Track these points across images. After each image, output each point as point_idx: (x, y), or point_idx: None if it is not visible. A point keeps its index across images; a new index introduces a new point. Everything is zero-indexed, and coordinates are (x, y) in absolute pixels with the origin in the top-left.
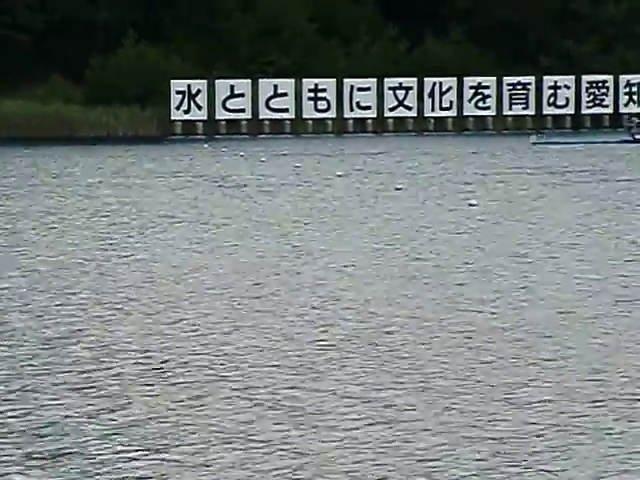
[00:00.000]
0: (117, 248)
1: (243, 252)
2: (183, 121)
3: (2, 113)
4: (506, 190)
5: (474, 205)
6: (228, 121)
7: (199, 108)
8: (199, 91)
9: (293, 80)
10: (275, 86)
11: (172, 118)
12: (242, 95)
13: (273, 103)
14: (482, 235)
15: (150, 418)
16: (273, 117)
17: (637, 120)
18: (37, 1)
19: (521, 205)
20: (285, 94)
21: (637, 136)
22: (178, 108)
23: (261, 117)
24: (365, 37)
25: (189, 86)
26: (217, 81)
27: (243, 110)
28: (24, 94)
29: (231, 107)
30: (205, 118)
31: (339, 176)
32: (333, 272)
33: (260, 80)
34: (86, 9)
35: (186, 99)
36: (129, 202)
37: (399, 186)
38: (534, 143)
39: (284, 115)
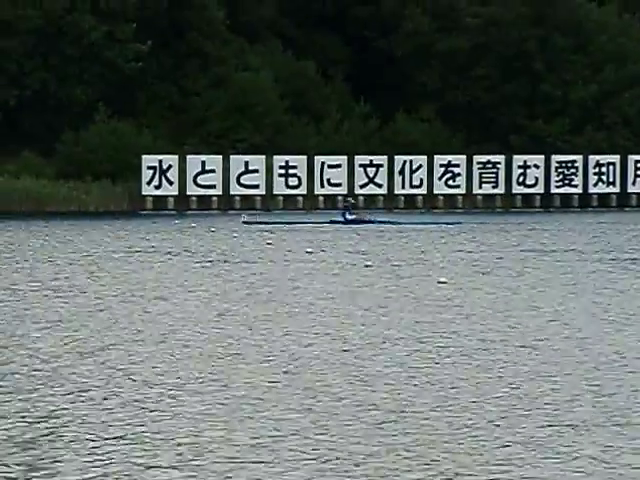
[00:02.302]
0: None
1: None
2: (154, 196)
3: None
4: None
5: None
6: (199, 197)
7: (170, 183)
8: (170, 166)
9: (264, 156)
10: (246, 162)
11: (143, 193)
12: (213, 171)
13: (244, 179)
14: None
15: None
16: (244, 193)
17: (352, 201)
18: (8, 76)
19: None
20: (256, 170)
21: (348, 217)
22: (149, 183)
23: (232, 193)
24: (336, 114)
25: (160, 161)
26: (188, 157)
27: (214, 186)
28: None
29: (202, 183)
30: (176, 193)
31: (309, 252)
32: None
33: (231, 156)
34: (58, 85)
35: (157, 174)
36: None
37: (368, 263)
38: (244, 222)
39: (255, 191)
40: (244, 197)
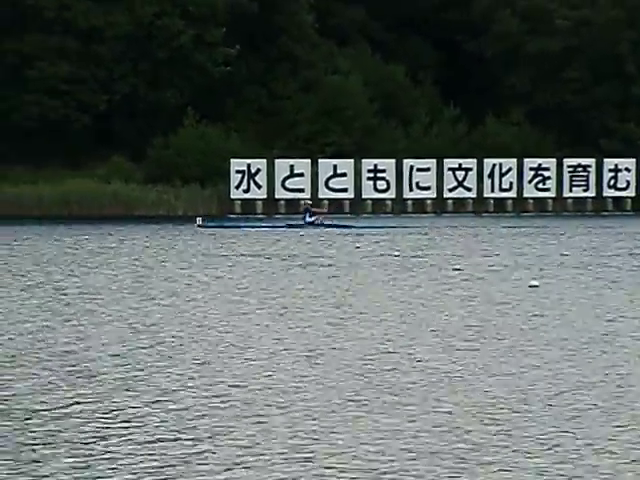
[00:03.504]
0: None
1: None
2: (243, 200)
3: (63, 192)
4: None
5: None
6: (287, 200)
7: (259, 187)
8: (259, 170)
9: (352, 160)
10: (335, 166)
11: (232, 197)
12: (301, 175)
13: (332, 183)
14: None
15: None
16: (332, 197)
17: (310, 203)
18: (99, 82)
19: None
20: (344, 174)
21: (308, 219)
22: (238, 187)
23: (320, 197)
24: (425, 118)
25: (249, 165)
26: (277, 160)
27: (302, 190)
28: (85, 173)
29: (290, 186)
30: (265, 197)
31: (396, 256)
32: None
33: (320, 160)
34: (147, 89)
35: (246, 178)
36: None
37: (457, 266)
38: (199, 225)
39: (343, 195)
40: (332, 201)
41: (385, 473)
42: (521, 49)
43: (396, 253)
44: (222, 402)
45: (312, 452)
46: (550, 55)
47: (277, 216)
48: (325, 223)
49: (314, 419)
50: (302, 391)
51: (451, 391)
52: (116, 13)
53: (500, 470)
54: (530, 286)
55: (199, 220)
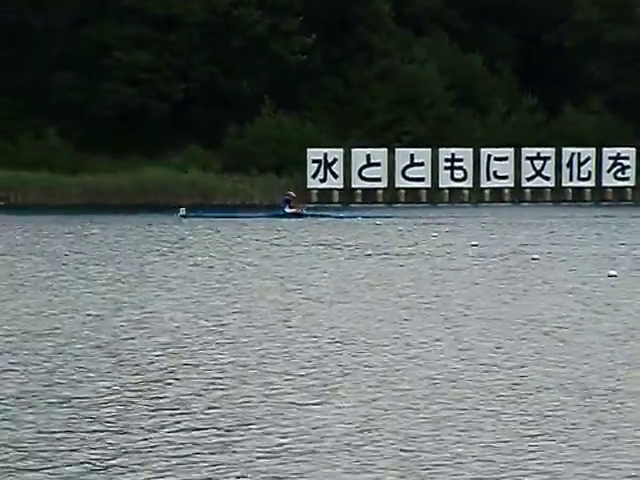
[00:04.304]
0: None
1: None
2: (319, 190)
3: (140, 180)
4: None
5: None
6: (364, 190)
7: (335, 177)
8: (335, 160)
9: (429, 149)
10: (412, 155)
11: (308, 186)
12: (378, 164)
13: (409, 172)
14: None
15: None
16: (409, 186)
17: (293, 195)
18: (176, 70)
19: None
20: (422, 163)
21: (287, 210)
22: (314, 177)
23: (397, 186)
24: (502, 107)
25: (325, 155)
26: (353, 150)
27: (379, 179)
28: (162, 162)
29: (367, 176)
30: (341, 187)
31: (473, 245)
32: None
33: (397, 149)
34: (224, 78)
35: (322, 168)
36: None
37: (535, 256)
38: (182, 216)
39: (420, 184)
40: (409, 190)
41: None
42: (601, 38)
43: (474, 242)
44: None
45: None
46: (630, 44)
47: (353, 205)
48: (310, 213)
49: None
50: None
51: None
52: (193, 1)
53: None
54: (609, 276)
55: (182, 210)
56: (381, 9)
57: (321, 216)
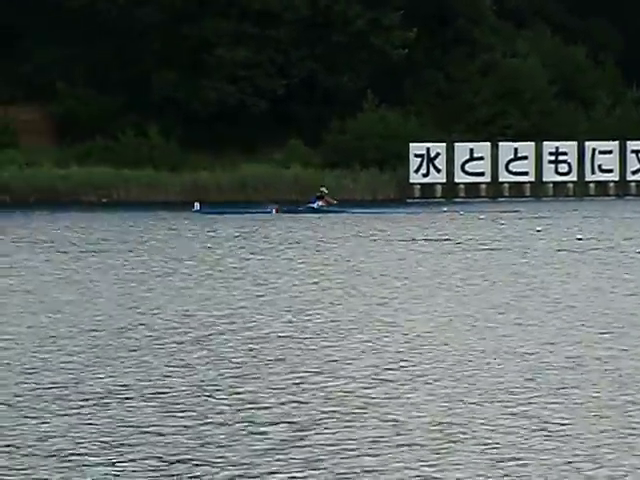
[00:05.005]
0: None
1: None
2: (422, 184)
3: (240, 177)
4: None
5: None
6: (467, 184)
7: (438, 171)
8: (438, 154)
9: (533, 143)
10: (515, 149)
11: (411, 181)
12: (481, 158)
13: (513, 166)
14: None
15: None
16: (513, 180)
17: (326, 191)
18: (276, 66)
19: None
20: (525, 157)
21: (315, 205)
22: (417, 171)
23: (501, 180)
24: (607, 100)
25: (428, 149)
26: (456, 144)
27: (482, 173)
28: (261, 158)
29: (470, 170)
30: (444, 181)
31: (578, 239)
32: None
33: (500, 143)
34: (325, 73)
35: (425, 162)
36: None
37: None
38: (195, 211)
39: (524, 178)
40: (513, 184)
41: None
42: None
43: (579, 236)
44: None
45: None
46: None
47: (456, 200)
48: (324, 209)
49: None
50: None
51: None
52: None
53: None
54: None
55: (196, 205)
56: (482, 2)
57: (342, 212)
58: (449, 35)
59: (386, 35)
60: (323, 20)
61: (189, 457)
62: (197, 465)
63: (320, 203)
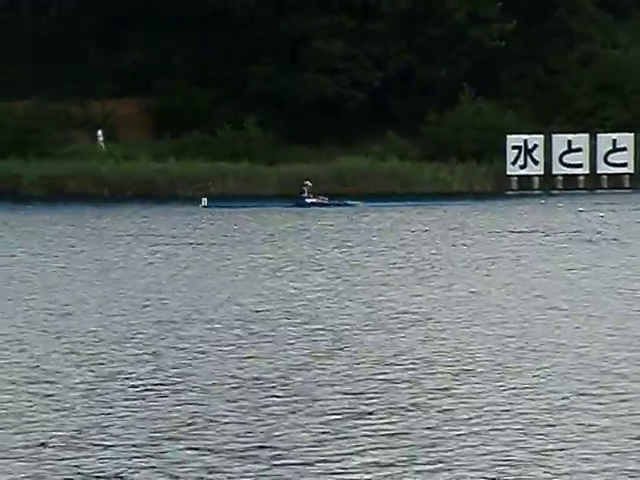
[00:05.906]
0: None
1: None
2: (519, 176)
3: (337, 169)
4: None
5: None
6: (565, 176)
7: (535, 163)
8: (535, 146)
9: (632, 134)
10: (614, 141)
11: (508, 173)
12: (579, 150)
13: (611, 158)
14: None
15: None
16: (611, 172)
17: (310, 184)
18: (373, 59)
19: None
20: (624, 149)
21: (307, 200)
22: (514, 163)
23: (599, 172)
24: None
25: (525, 141)
26: (554, 136)
27: (580, 165)
28: (357, 151)
29: (568, 162)
30: (541, 173)
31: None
32: None
33: (598, 135)
34: (422, 66)
35: (522, 154)
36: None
37: None
38: (204, 206)
39: (622, 170)
40: (611, 176)
41: None
42: None
43: None
44: None
45: None
46: None
47: (554, 192)
48: (330, 202)
49: None
50: None
51: None
52: None
53: None
54: None
55: (204, 201)
56: None
57: (346, 205)
58: (547, 26)
59: (484, 27)
60: (421, 13)
61: (251, 445)
62: (259, 448)
63: (313, 200)
